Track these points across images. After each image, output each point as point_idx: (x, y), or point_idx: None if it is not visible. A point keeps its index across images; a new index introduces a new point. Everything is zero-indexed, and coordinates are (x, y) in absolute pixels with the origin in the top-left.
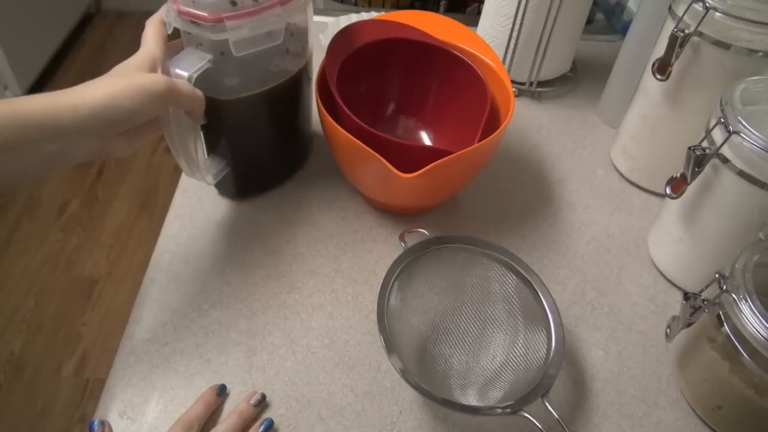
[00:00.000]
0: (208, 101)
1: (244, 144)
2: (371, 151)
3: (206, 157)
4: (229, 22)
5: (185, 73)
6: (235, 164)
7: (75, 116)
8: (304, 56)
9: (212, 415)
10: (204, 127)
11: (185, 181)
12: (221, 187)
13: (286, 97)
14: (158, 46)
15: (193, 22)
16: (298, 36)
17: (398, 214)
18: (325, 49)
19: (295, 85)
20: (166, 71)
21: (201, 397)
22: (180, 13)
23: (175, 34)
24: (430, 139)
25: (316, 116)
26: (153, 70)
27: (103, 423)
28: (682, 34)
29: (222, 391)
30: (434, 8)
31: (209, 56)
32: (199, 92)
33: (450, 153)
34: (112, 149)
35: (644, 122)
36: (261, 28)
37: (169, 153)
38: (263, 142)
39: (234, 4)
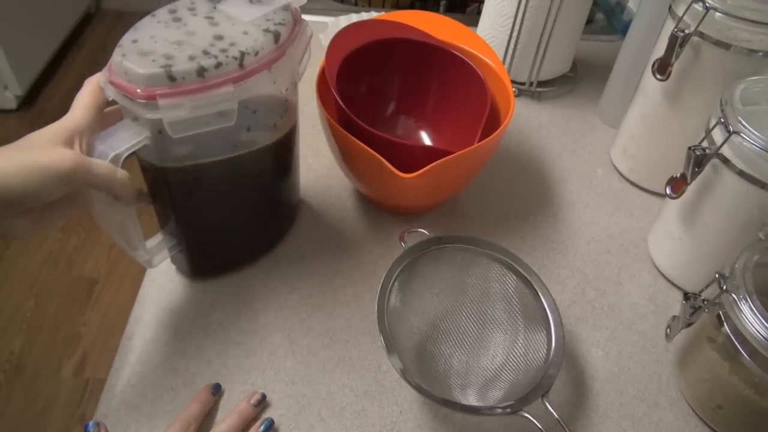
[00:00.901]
0: (152, 170)
1: (199, 222)
2: (371, 151)
3: (156, 239)
4: (162, 100)
5: (110, 152)
6: (188, 245)
7: None
8: (277, 131)
9: (208, 414)
10: (154, 202)
11: None
12: (177, 263)
13: (254, 172)
14: (86, 113)
15: (126, 96)
16: (265, 113)
17: (398, 214)
18: (325, 49)
19: (266, 158)
20: (90, 145)
21: (197, 396)
22: (111, 83)
23: None
24: (430, 139)
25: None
26: (70, 143)
27: (98, 425)
28: (682, 34)
29: (217, 390)
30: (434, 8)
31: (146, 133)
32: (121, 174)
33: (450, 153)
34: (10, 230)
35: (644, 122)
36: (206, 109)
37: None
38: (223, 222)
39: (173, 79)
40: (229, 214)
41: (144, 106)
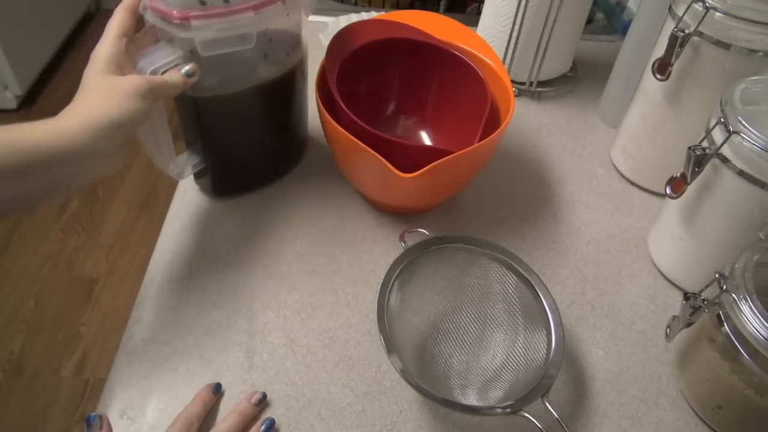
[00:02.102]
0: (183, 99)
1: (220, 143)
2: (371, 151)
3: (179, 153)
4: (195, 21)
5: (149, 67)
6: (211, 162)
7: (84, 140)
8: (287, 63)
9: (209, 413)
10: (181, 122)
11: (185, 182)
12: (200, 183)
13: (268, 101)
14: (117, 42)
15: (163, 18)
16: (279, 42)
17: (398, 214)
18: (325, 49)
19: (278, 90)
20: (132, 62)
21: (198, 394)
22: (151, 8)
23: None
24: (430, 139)
25: (314, 118)
26: (120, 69)
27: (100, 417)
28: (682, 34)
29: (218, 390)
30: (434, 8)
31: (180, 53)
32: (173, 77)
33: (450, 153)
34: (120, 162)
35: (644, 122)
36: (230, 31)
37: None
38: (241, 143)
39: (203, 3)
40: (247, 138)
41: (179, 27)
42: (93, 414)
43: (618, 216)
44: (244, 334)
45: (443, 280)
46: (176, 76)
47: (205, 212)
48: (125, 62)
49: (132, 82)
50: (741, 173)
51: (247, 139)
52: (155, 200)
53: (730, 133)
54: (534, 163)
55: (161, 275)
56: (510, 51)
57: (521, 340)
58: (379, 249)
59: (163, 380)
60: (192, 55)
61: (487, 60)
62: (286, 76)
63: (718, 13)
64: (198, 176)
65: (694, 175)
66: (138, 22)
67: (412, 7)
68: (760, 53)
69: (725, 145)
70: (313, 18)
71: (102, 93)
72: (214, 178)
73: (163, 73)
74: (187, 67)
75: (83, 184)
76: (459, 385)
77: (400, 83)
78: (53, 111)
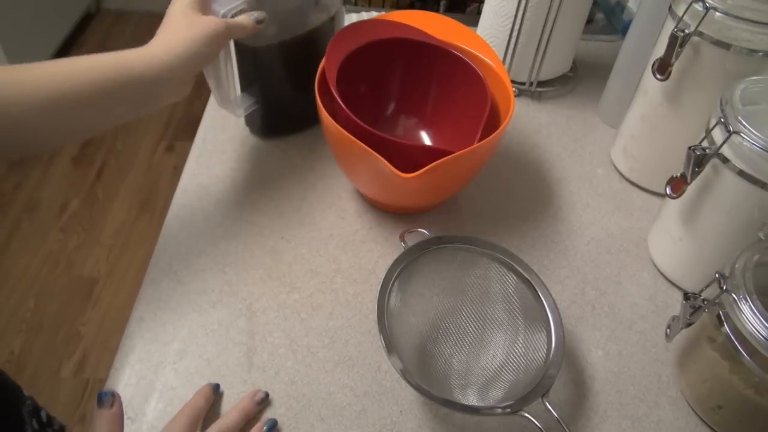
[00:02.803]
0: (241, 46)
1: (273, 87)
2: (371, 151)
3: (238, 93)
4: None
5: (221, 10)
6: (264, 104)
7: (167, 66)
8: (331, 10)
9: (210, 411)
10: (239, 67)
11: (185, 181)
12: (251, 125)
13: (314, 48)
14: None
15: None
16: None
17: (398, 214)
18: (326, 49)
19: (321, 39)
20: (209, 6)
21: (201, 390)
22: None
23: None
24: (430, 139)
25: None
26: (201, 8)
27: (113, 395)
28: (682, 34)
29: (216, 390)
30: (434, 8)
31: None
32: (244, 21)
33: (450, 153)
34: (186, 92)
35: (644, 122)
36: None
37: (169, 153)
38: (289, 89)
39: None
40: (294, 83)
41: None
42: (105, 391)
43: (618, 216)
44: (244, 334)
45: (443, 280)
46: (248, 20)
47: (206, 214)
48: (204, 4)
49: (212, 20)
50: (741, 173)
51: (294, 85)
52: (155, 200)
53: (730, 133)
54: (534, 163)
55: (161, 275)
56: (510, 51)
57: (521, 340)
58: (379, 249)
59: (163, 380)
60: (255, 1)
61: (487, 60)
62: (327, 27)
63: (718, 13)
64: (249, 116)
65: (694, 175)
66: None
67: (412, 7)
68: (760, 53)
69: (725, 145)
70: None
71: (184, 29)
72: (263, 118)
73: (233, 16)
74: (256, 14)
75: (156, 107)
76: (459, 385)
77: (400, 83)
78: None
